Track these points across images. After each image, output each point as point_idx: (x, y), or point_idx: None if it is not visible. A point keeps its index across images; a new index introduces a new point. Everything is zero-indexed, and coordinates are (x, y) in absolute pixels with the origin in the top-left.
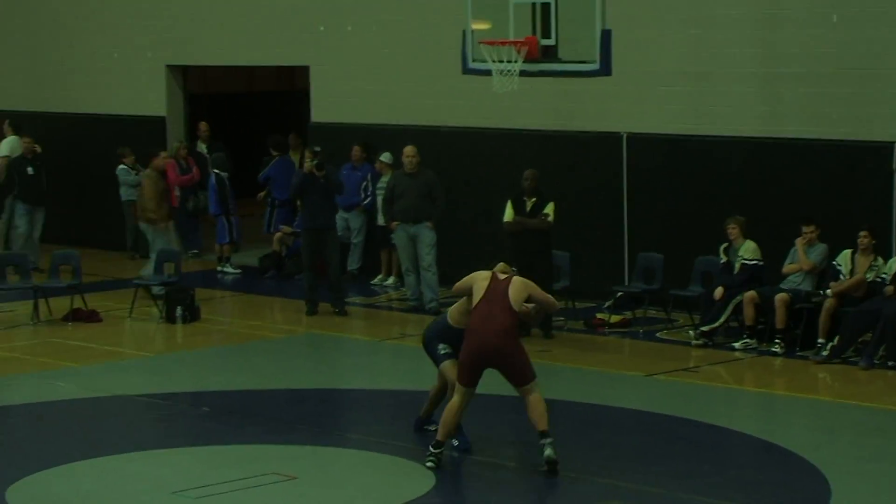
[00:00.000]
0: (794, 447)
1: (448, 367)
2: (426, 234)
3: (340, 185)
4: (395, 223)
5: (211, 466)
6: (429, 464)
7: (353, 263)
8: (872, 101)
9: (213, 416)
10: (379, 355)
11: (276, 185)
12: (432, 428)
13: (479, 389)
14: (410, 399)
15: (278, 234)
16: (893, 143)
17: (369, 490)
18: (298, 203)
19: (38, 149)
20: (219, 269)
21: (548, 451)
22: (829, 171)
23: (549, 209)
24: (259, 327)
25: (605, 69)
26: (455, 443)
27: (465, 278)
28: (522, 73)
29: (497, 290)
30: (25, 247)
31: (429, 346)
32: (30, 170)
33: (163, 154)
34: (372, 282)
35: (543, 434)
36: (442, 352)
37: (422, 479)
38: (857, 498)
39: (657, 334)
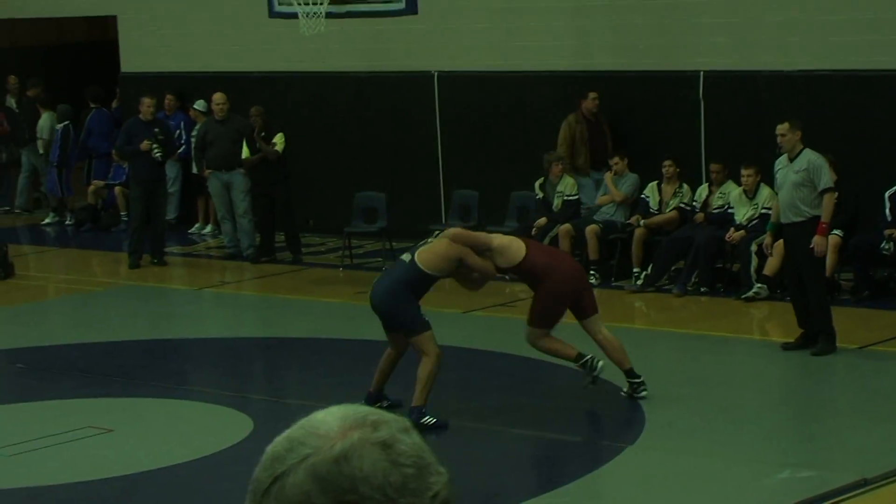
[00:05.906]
0: (609, 376)
1: (430, 337)
2: (239, 181)
3: (175, 149)
4: (207, 171)
5: (25, 422)
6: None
7: (169, 213)
8: (677, 31)
9: (28, 372)
10: (198, 304)
11: (93, 137)
12: (385, 404)
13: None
14: (230, 346)
15: (92, 187)
16: (699, 72)
17: (186, 439)
18: (115, 155)
19: None
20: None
21: (643, 392)
22: (638, 103)
23: (278, 139)
24: (76, 281)
25: (412, 8)
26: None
27: (481, 233)
28: (329, 15)
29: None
30: None
31: (398, 307)
32: None
33: None
34: (189, 230)
35: (630, 373)
36: (425, 317)
37: (239, 426)
38: (671, 422)
39: None
